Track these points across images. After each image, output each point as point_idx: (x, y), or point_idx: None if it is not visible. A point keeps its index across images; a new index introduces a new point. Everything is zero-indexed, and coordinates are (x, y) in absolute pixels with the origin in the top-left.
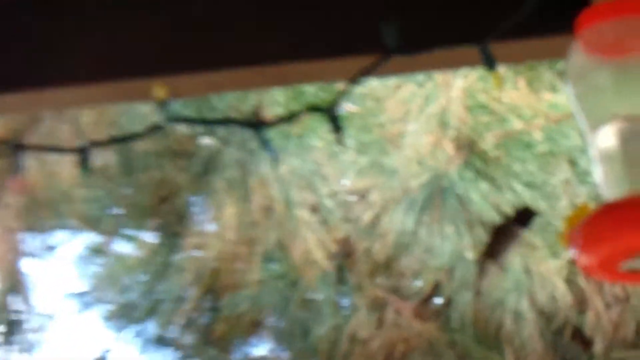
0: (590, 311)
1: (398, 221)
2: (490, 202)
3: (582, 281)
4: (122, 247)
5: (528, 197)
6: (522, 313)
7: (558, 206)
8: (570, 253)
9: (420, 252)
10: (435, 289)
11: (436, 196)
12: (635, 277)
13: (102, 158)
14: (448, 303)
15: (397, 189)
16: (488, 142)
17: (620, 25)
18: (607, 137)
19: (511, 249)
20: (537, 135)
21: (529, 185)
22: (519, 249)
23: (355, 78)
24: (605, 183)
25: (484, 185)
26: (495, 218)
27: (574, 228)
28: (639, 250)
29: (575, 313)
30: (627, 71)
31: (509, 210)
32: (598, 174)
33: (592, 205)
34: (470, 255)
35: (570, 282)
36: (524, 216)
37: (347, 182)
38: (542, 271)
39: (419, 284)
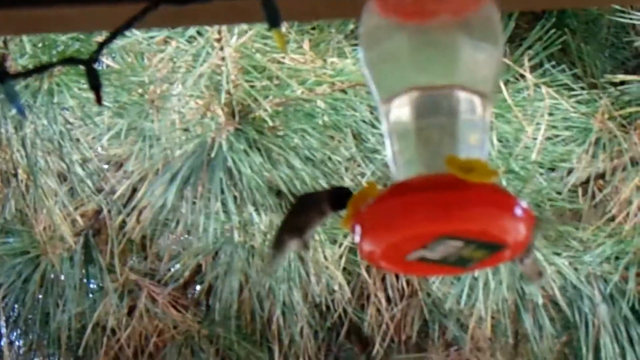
0: (370, 307)
1: (157, 195)
2: (263, 178)
3: (363, 272)
4: None
5: (307, 174)
6: (293, 306)
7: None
8: (352, 239)
9: (181, 232)
10: (196, 275)
11: (202, 168)
12: (424, 269)
13: None
14: (209, 291)
15: (158, 159)
16: (264, 110)
17: None
18: (400, 110)
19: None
20: (321, 105)
21: (309, 160)
22: None
23: (118, 29)
24: (396, 161)
25: (257, 159)
26: (266, 196)
27: (357, 211)
28: (429, 238)
29: (353, 308)
30: (427, 38)
31: (283, 187)
32: (388, 150)
33: (379, 186)
34: (238, 237)
35: (349, 272)
36: (337, 196)
37: (101, 149)
38: (318, 259)
39: (177, 267)
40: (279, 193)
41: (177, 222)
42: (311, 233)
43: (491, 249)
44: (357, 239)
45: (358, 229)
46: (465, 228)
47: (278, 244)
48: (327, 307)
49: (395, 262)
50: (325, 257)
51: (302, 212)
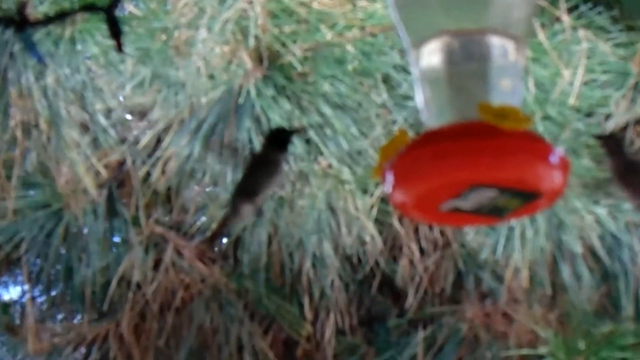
0: (403, 258)
1: (183, 145)
2: (292, 126)
3: (395, 223)
4: None
5: (337, 122)
6: (323, 258)
7: (371, 134)
8: (384, 189)
9: (208, 183)
10: (223, 227)
11: (229, 116)
12: (457, 219)
13: None
14: (237, 243)
15: (183, 107)
16: (293, 55)
17: None
18: (431, 55)
19: (274, 183)
20: (351, 50)
21: (339, 107)
22: (322, 183)
23: None
24: (428, 108)
25: (286, 106)
26: (295, 144)
27: (389, 159)
28: (462, 187)
29: (386, 260)
30: None
31: (313, 135)
32: (419, 97)
33: (410, 134)
34: None
35: (381, 223)
36: (278, 138)
37: (124, 97)
38: (349, 209)
39: (204, 220)
40: (308, 141)
41: (204, 173)
42: (264, 194)
43: (526, 197)
44: (388, 189)
45: (389, 178)
46: (499, 176)
47: (232, 210)
48: (359, 259)
49: (428, 212)
50: (356, 208)
51: (251, 173)
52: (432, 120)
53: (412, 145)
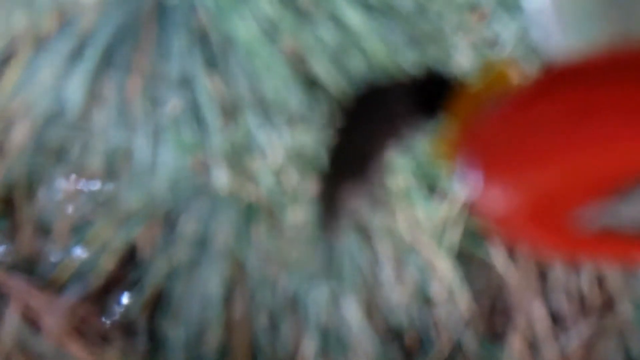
0: (515, 334)
1: (45, 88)
2: (279, 52)
3: (497, 259)
4: None
5: (373, 39)
6: (342, 333)
7: (443, 65)
8: (463, 187)
9: (96, 170)
10: (127, 266)
11: (142, 30)
12: (621, 247)
13: None
14: (157, 302)
15: (46, 10)
16: None
17: None
18: None
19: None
20: None
21: (376, 10)
22: None
23: None
24: (558, 17)
25: (266, 7)
26: (295, 90)
27: (477, 122)
28: (625, 179)
29: (479, 337)
30: None
31: (324, 72)
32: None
33: (518, 68)
34: (222, 179)
35: (467, 258)
36: (429, 90)
37: None
38: (397, 229)
39: (85, 251)
40: (313, 84)
41: (85, 147)
42: (384, 171)
43: None
44: (472, 183)
45: (474, 162)
46: None
47: (327, 205)
48: (419, 336)
49: (559, 233)
50: (415, 224)
51: (364, 131)
52: (564, 42)
53: (525, 94)
